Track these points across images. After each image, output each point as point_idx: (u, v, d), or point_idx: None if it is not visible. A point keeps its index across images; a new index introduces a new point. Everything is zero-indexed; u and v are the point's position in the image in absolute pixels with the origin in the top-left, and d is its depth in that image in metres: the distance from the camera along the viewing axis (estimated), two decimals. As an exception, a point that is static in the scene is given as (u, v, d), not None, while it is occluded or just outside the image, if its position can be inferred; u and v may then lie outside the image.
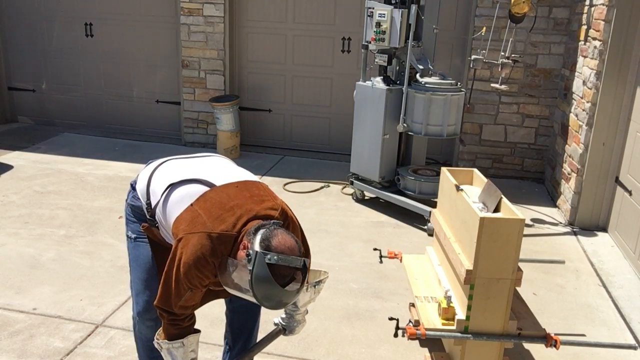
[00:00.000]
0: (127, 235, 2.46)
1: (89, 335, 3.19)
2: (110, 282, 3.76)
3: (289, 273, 1.93)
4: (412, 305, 3.41)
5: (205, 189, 2.16)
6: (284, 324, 2.56)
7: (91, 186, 5.49)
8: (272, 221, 2.05)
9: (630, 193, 4.43)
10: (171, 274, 2.07)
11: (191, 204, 2.11)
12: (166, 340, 2.17)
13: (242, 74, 6.88)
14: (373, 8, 4.87)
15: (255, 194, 2.18)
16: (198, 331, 2.24)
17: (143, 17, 6.95)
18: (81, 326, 3.27)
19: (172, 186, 2.21)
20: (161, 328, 2.20)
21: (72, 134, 7.27)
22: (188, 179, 2.21)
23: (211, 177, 2.22)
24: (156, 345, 2.22)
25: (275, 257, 1.90)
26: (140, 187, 2.36)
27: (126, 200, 2.47)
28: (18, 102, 7.69)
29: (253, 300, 1.99)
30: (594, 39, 4.81)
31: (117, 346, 3.10)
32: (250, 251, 1.92)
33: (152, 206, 2.28)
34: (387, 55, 4.97)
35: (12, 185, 5.41)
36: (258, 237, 1.95)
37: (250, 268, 1.90)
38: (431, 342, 3.15)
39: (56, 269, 3.90)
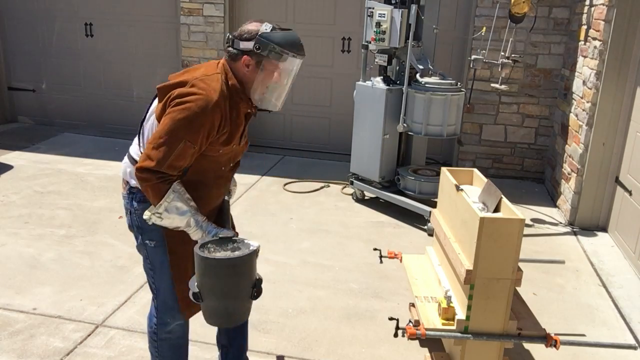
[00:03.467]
0: (145, 243, 2.35)
1: (89, 335, 3.19)
2: (110, 282, 3.76)
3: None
4: (412, 305, 3.41)
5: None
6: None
7: (91, 186, 5.49)
8: None
9: (630, 193, 4.43)
10: (164, 129, 2.05)
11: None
12: (159, 203, 2.09)
13: (242, 74, 6.87)
14: (373, 8, 4.87)
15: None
16: None
17: (143, 17, 6.95)
18: (81, 326, 3.27)
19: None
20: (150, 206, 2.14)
21: (72, 134, 7.27)
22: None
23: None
24: (153, 219, 2.13)
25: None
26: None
27: (133, 211, 2.32)
28: (18, 102, 7.69)
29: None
30: (594, 39, 4.81)
31: (117, 346, 3.11)
32: (260, 38, 2.10)
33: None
34: (387, 55, 4.97)
35: (12, 185, 5.41)
36: (248, 36, 2.13)
37: (274, 36, 2.11)
38: (431, 342, 3.15)
39: (56, 269, 3.90)
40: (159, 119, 2.15)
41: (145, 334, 3.14)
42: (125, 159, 2.37)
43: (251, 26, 2.14)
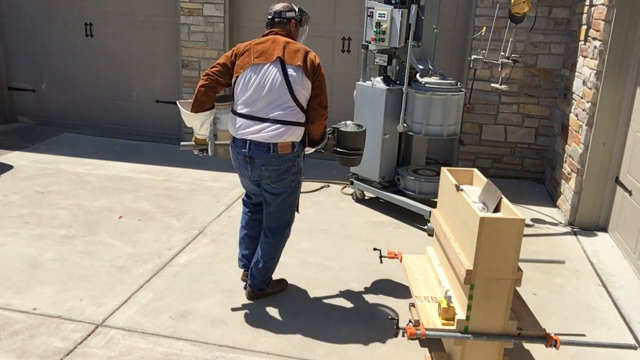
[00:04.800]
0: (299, 181, 3.49)
1: (89, 335, 3.19)
2: (110, 282, 3.77)
3: None
4: (412, 305, 3.42)
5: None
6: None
7: (91, 186, 5.49)
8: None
9: (630, 193, 4.43)
10: (322, 82, 3.26)
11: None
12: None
13: (242, 74, 6.87)
14: (373, 8, 4.87)
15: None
16: None
17: (143, 17, 6.95)
18: (81, 326, 3.27)
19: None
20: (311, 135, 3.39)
21: (72, 134, 7.27)
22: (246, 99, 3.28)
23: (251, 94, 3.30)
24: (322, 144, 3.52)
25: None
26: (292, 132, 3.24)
27: (299, 160, 3.35)
28: (18, 102, 7.69)
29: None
30: (594, 39, 4.81)
31: (117, 346, 3.10)
32: (300, 9, 3.42)
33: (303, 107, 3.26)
34: (387, 55, 4.97)
35: (12, 185, 5.41)
36: (290, 8, 3.39)
37: (304, 10, 3.48)
38: (431, 342, 3.15)
39: (56, 269, 3.90)
40: (308, 74, 3.18)
41: (145, 334, 3.17)
42: (275, 126, 3.17)
43: (283, 3, 3.38)
